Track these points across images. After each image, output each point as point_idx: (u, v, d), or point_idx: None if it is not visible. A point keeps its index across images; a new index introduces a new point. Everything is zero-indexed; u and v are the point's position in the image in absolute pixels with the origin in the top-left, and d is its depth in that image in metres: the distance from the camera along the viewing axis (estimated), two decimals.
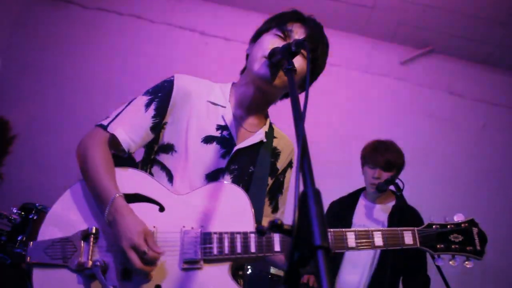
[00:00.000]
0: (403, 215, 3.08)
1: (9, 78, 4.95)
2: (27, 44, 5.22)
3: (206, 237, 1.55)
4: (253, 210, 1.61)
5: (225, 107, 1.80)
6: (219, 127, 1.77)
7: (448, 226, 1.67)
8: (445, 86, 5.39)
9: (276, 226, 0.91)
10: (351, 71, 5.36)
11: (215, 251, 1.53)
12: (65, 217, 1.63)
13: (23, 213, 3.21)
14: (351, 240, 1.59)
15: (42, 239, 1.59)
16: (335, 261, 3.20)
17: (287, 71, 1.42)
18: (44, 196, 3.43)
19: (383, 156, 3.25)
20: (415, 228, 1.65)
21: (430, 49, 5.39)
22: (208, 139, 1.75)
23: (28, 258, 1.57)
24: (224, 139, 1.76)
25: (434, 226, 1.67)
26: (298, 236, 0.86)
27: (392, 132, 3.74)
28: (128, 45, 5.29)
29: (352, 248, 1.58)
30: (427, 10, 4.84)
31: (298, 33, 1.75)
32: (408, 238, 1.63)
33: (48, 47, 5.23)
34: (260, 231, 1.01)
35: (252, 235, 1.55)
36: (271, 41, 1.73)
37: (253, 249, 1.54)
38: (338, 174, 4.46)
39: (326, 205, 3.38)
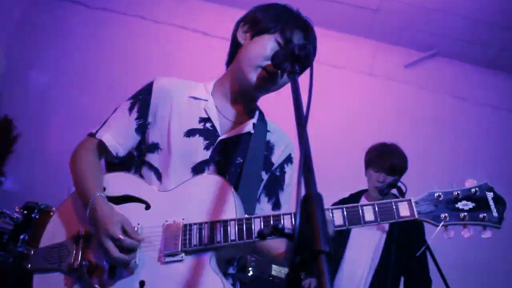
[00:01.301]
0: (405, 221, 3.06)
1: (13, 77, 4.96)
2: (31, 43, 5.23)
3: (186, 229, 1.55)
4: (235, 198, 1.57)
5: (207, 100, 1.81)
6: (202, 120, 1.77)
7: (455, 193, 1.42)
8: (449, 90, 5.38)
9: (277, 230, 0.90)
10: (354, 74, 5.35)
11: (194, 241, 1.52)
12: (64, 224, 1.71)
13: (25, 212, 3.22)
14: (338, 217, 1.48)
15: (42, 246, 1.69)
16: (334, 261, 3.19)
17: (289, 74, 1.42)
18: (47, 195, 3.44)
19: (388, 160, 3.26)
20: (412, 198, 1.46)
21: (434, 52, 5.39)
22: (190, 132, 1.75)
23: (29, 265, 1.67)
24: (207, 131, 1.76)
25: (436, 194, 1.43)
26: (299, 240, 0.86)
27: (395, 135, 3.72)
28: (131, 45, 5.30)
29: (340, 226, 1.47)
30: (431, 13, 4.83)
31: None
32: (404, 209, 1.45)
33: (52, 47, 5.25)
34: (261, 234, 1.00)
35: (232, 222, 1.52)
36: (271, 49, 1.70)
37: (233, 236, 1.50)
38: (340, 177, 4.44)
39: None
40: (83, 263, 1.54)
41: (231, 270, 1.74)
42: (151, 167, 1.76)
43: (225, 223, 1.52)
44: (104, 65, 5.19)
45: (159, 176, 1.73)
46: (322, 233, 0.84)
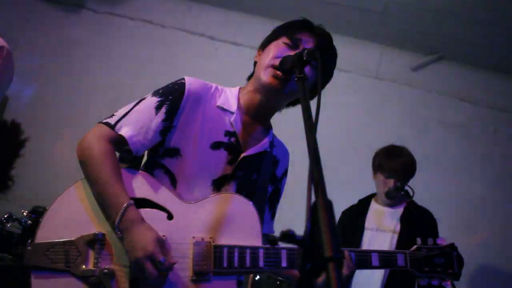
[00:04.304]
0: (415, 217, 3.07)
1: (20, 81, 4.99)
2: (38, 48, 5.26)
3: (216, 250, 1.55)
4: (261, 225, 1.61)
5: (233, 113, 1.79)
6: (228, 133, 1.76)
7: (434, 250, 1.81)
8: (456, 93, 5.35)
9: (288, 236, 0.90)
10: (361, 77, 5.34)
11: (224, 264, 1.54)
12: (66, 218, 1.57)
13: (33, 216, 3.23)
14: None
15: (42, 241, 1.53)
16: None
17: (298, 80, 1.41)
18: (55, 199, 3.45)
19: (397, 164, 3.24)
20: (407, 252, 1.77)
21: (440, 55, 5.36)
22: (216, 145, 1.73)
23: (25, 260, 1.51)
24: (231, 146, 1.75)
25: (423, 250, 1.81)
26: (310, 246, 0.86)
27: (402, 138, 3.72)
28: (138, 50, 5.31)
29: None
30: (438, 16, 4.81)
31: (307, 42, 1.75)
32: (401, 260, 1.75)
33: (59, 51, 5.27)
34: (271, 240, 1.01)
35: (261, 250, 1.56)
36: (279, 49, 1.73)
37: (261, 264, 1.55)
38: (346, 181, 4.44)
39: (337, 214, 3.37)
40: (105, 271, 1.47)
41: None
42: (166, 171, 1.71)
43: (254, 250, 1.56)
44: (111, 70, 5.20)
45: (173, 182, 1.69)
46: (332, 240, 0.84)
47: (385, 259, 1.73)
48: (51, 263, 1.49)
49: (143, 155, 1.82)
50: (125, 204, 1.50)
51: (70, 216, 1.57)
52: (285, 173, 1.98)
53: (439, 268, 1.78)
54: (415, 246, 1.81)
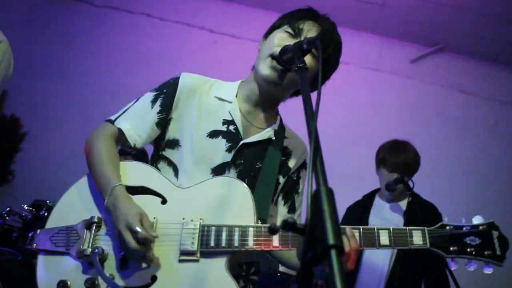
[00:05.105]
0: (419, 211, 3.03)
1: (19, 76, 4.98)
2: (36, 42, 5.25)
3: (204, 229, 1.54)
4: (254, 206, 1.58)
5: (231, 102, 1.80)
6: (226, 122, 1.77)
7: (464, 228, 1.55)
8: (456, 85, 5.35)
9: (289, 225, 0.90)
10: (361, 69, 5.34)
11: (212, 243, 1.52)
12: (72, 208, 1.67)
13: (34, 210, 3.24)
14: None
15: (50, 227, 1.65)
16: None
17: (298, 69, 1.39)
18: (55, 193, 3.43)
19: (401, 159, 3.20)
20: (426, 228, 1.54)
21: (440, 47, 5.36)
22: (214, 134, 1.75)
23: (35, 244, 1.63)
24: (230, 134, 1.76)
25: (447, 227, 1.55)
26: (311, 235, 0.85)
27: (402, 130, 3.71)
28: (137, 43, 5.31)
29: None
30: (437, 8, 4.80)
31: (309, 31, 1.74)
32: (418, 238, 1.53)
33: (57, 45, 5.26)
34: (272, 229, 1.00)
35: (251, 229, 1.53)
36: (280, 39, 1.72)
37: (251, 243, 1.52)
38: (346, 173, 4.44)
39: (339, 208, 3.34)
40: (95, 250, 1.52)
41: (243, 272, 1.75)
42: (169, 162, 1.76)
43: (243, 229, 1.53)
44: (109, 63, 5.20)
45: (176, 173, 1.73)
46: (333, 228, 0.83)
47: (397, 236, 1.53)
48: (55, 247, 1.61)
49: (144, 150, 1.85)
50: (112, 185, 1.57)
51: (76, 205, 1.68)
52: (302, 166, 1.94)
53: (470, 249, 1.51)
54: (439, 224, 1.56)
